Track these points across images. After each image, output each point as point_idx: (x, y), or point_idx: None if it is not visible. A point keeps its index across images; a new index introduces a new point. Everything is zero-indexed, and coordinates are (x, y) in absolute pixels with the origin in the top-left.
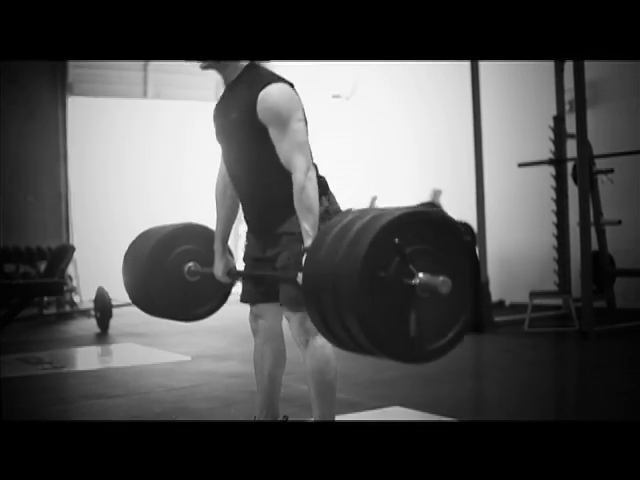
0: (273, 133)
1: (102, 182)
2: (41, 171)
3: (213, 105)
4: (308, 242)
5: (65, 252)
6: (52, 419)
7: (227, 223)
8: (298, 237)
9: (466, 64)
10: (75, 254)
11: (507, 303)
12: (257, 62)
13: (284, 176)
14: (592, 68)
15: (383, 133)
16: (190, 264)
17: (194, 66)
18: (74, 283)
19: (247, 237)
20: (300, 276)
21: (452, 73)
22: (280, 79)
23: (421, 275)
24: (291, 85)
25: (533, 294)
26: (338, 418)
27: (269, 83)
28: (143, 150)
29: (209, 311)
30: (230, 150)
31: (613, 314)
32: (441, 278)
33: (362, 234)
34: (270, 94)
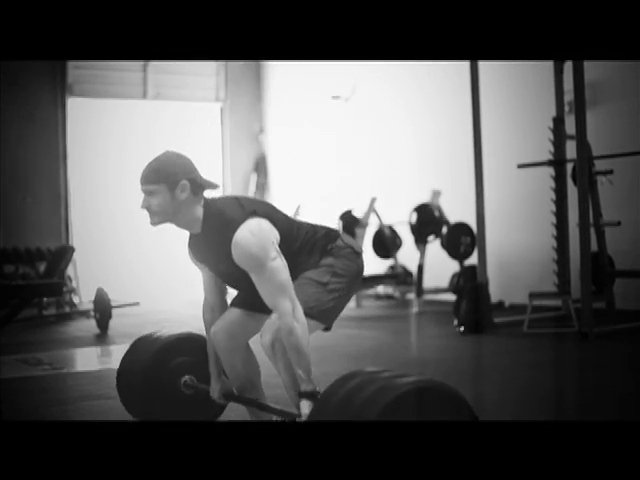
0: (253, 277)
1: (102, 183)
2: (40, 172)
3: (212, 105)
4: (303, 386)
5: (64, 253)
6: (51, 420)
7: None
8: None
9: (466, 65)
10: (74, 255)
11: (506, 304)
12: (211, 200)
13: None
14: (591, 69)
15: (382, 134)
16: (186, 377)
17: (193, 67)
18: (73, 284)
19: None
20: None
21: (452, 74)
22: (244, 213)
23: None
24: (254, 212)
25: (532, 295)
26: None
27: (235, 228)
28: (143, 151)
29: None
30: (238, 285)
31: (612, 315)
32: None
33: (369, 407)
34: (239, 243)
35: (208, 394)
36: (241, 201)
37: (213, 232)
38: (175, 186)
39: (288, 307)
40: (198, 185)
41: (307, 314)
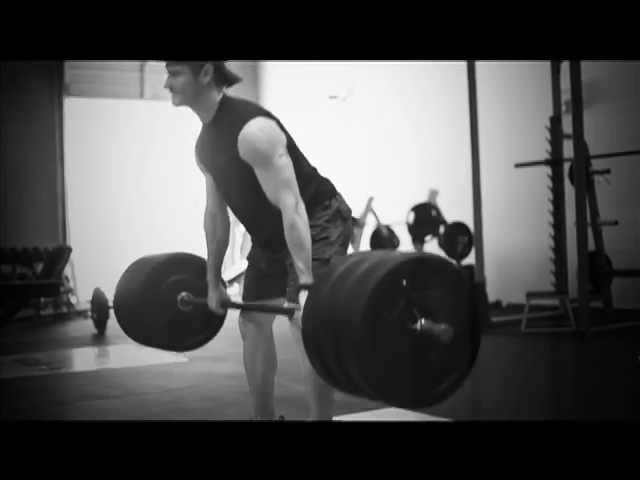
0: (257, 172)
1: (99, 183)
2: (38, 172)
3: None
4: (303, 279)
5: (62, 253)
6: (50, 420)
7: (219, 256)
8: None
9: (464, 65)
10: (72, 255)
11: (504, 304)
12: (229, 96)
13: None
14: (588, 69)
15: (380, 134)
16: (183, 294)
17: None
18: (71, 284)
19: (253, 243)
20: (297, 313)
21: (450, 74)
22: (257, 112)
23: (423, 321)
24: (268, 115)
25: (530, 294)
26: (335, 419)
27: (245, 122)
28: (140, 151)
29: (202, 341)
30: (229, 187)
31: (610, 314)
32: (443, 326)
33: (370, 274)
34: (247, 136)
35: (206, 307)
36: (259, 105)
37: (222, 122)
38: (199, 69)
39: (292, 201)
40: (221, 73)
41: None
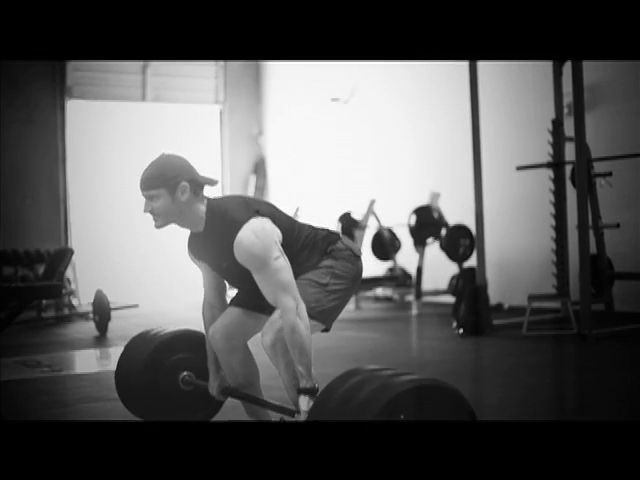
0: (255, 276)
1: (101, 185)
2: (40, 174)
3: (211, 108)
4: (303, 383)
5: (64, 255)
6: (50, 420)
7: None
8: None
9: (466, 66)
10: (74, 257)
11: (506, 306)
12: (214, 199)
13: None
14: (590, 72)
15: (381, 136)
16: (185, 373)
17: (192, 69)
18: (73, 286)
19: None
20: (298, 417)
21: (452, 76)
22: (247, 213)
23: None
24: (258, 210)
25: (531, 297)
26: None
27: (239, 228)
28: (142, 153)
29: (203, 420)
30: (239, 285)
31: (611, 317)
32: None
33: (367, 407)
34: (241, 243)
35: (207, 390)
36: (244, 200)
37: (216, 231)
38: (175, 189)
39: (292, 304)
40: (198, 184)
41: (307, 314)
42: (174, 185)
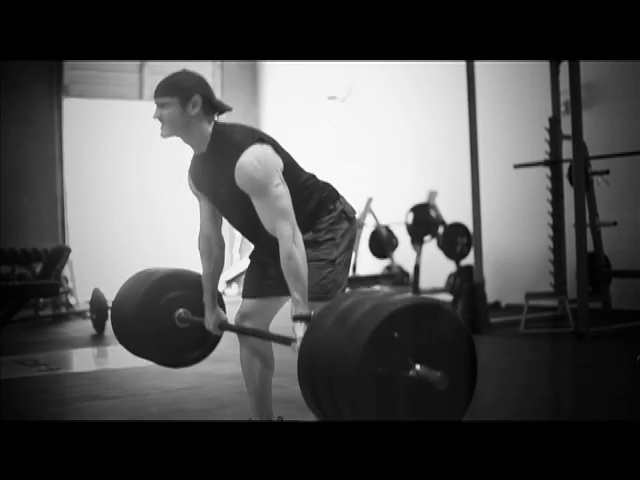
0: (254, 202)
1: (98, 183)
2: (37, 173)
3: None
4: (298, 309)
5: (61, 254)
6: (48, 420)
7: (215, 277)
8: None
9: (463, 65)
10: (71, 256)
11: (503, 304)
12: (222, 123)
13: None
14: (587, 70)
15: (378, 135)
16: (180, 311)
17: (190, 68)
18: (70, 285)
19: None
20: (294, 345)
21: (449, 75)
22: (252, 139)
23: (418, 368)
24: (263, 139)
25: (529, 295)
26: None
27: (242, 151)
28: (139, 151)
29: (198, 357)
30: (232, 214)
31: (609, 315)
32: (438, 374)
33: (362, 325)
34: (244, 166)
35: (203, 326)
36: (251, 129)
37: (218, 153)
38: (188, 100)
39: (289, 231)
40: (210, 104)
41: (327, 298)
42: (187, 97)
